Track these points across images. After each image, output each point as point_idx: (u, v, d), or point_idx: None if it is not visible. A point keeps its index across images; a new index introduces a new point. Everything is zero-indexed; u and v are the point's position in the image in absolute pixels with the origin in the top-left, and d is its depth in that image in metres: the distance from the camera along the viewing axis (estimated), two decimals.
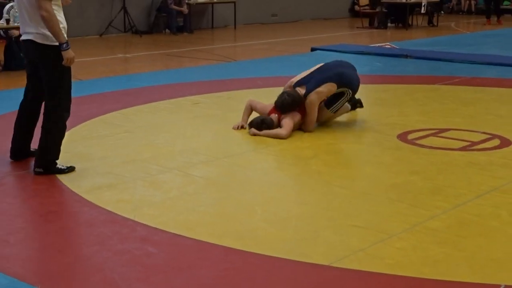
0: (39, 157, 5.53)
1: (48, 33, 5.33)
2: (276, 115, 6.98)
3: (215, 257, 4.06)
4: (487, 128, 7.09)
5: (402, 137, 6.76)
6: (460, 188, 5.26)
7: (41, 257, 3.50)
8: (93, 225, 4.54)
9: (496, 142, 6.61)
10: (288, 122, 6.82)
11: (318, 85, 6.96)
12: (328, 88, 6.97)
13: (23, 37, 5.53)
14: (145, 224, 4.49)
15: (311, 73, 7.25)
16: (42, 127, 5.53)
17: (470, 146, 6.43)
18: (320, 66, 7.33)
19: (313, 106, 6.93)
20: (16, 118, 5.82)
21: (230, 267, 3.91)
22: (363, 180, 5.54)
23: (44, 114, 5.55)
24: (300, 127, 6.98)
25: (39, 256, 3.56)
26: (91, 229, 4.46)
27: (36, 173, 5.48)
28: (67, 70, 5.50)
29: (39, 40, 5.40)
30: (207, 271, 3.83)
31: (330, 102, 7.11)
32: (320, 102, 7.03)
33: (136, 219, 4.58)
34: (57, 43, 5.36)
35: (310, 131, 6.92)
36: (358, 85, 7.23)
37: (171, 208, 4.84)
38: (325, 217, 4.67)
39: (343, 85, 7.03)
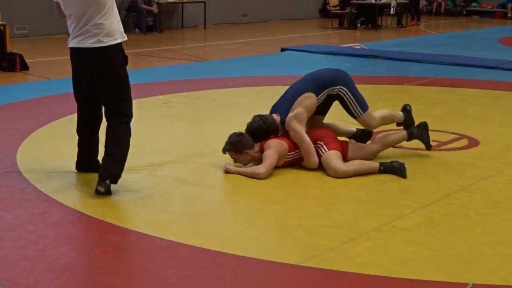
0: (110, 168, 4.98)
1: None
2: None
3: (184, 257, 4.05)
4: (455, 128, 7.16)
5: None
6: (429, 187, 5.30)
7: (7, 258, 3.45)
8: (61, 225, 4.49)
9: (464, 142, 6.67)
10: (270, 156, 5.50)
11: (290, 105, 5.72)
12: (304, 103, 5.70)
13: None
14: (114, 224, 4.46)
15: (282, 95, 6.06)
16: (112, 138, 5.07)
17: (438, 146, 6.48)
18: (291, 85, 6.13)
19: (298, 134, 5.61)
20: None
21: (199, 266, 3.90)
22: (332, 180, 5.54)
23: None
24: (300, 164, 5.75)
25: (4, 256, 3.51)
26: (59, 230, 4.41)
27: (104, 189, 4.92)
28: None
29: None
30: (177, 271, 3.82)
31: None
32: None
33: (105, 219, 4.54)
34: None
35: (313, 166, 5.63)
36: (345, 77, 6.00)
37: (141, 208, 4.81)
38: (295, 216, 4.68)
39: (323, 88, 5.83)
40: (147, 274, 3.76)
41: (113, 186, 4.95)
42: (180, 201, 5.01)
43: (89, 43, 5.01)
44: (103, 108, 5.19)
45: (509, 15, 24.53)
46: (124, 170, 5.03)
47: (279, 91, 9.36)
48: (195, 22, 19.58)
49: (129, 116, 5.18)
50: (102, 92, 5.12)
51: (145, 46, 15.01)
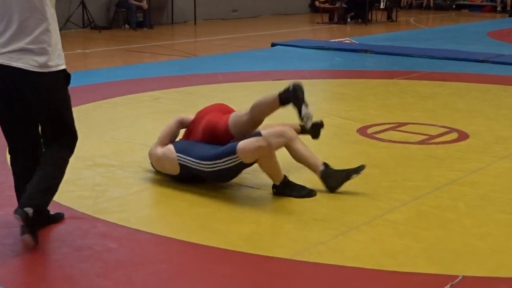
0: (33, 195, 3.98)
1: None
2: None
3: (174, 251, 4.06)
4: (445, 122, 7.19)
5: (362, 131, 6.81)
6: (418, 181, 5.33)
7: (3, 253, 3.47)
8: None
9: (454, 135, 6.69)
10: None
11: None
12: None
13: None
14: (105, 220, 4.46)
15: None
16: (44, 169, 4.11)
17: (428, 140, 6.51)
18: None
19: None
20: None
21: (189, 261, 3.91)
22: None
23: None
24: None
25: None
26: (50, 226, 4.41)
27: (22, 215, 3.87)
28: None
29: None
30: (167, 266, 3.83)
31: None
32: None
33: (96, 215, 4.54)
34: None
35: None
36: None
37: (131, 203, 4.81)
38: (285, 210, 4.69)
39: None
40: (137, 269, 3.77)
41: (104, 181, 4.92)
42: (170, 197, 5.01)
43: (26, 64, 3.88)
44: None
45: (498, 9, 24.63)
46: (115, 166, 5.00)
47: (270, 86, 9.44)
48: (185, 17, 19.55)
49: (73, 146, 4.26)
50: (40, 120, 4.13)
51: (135, 42, 14.99)
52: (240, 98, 8.51)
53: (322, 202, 4.87)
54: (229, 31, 17.66)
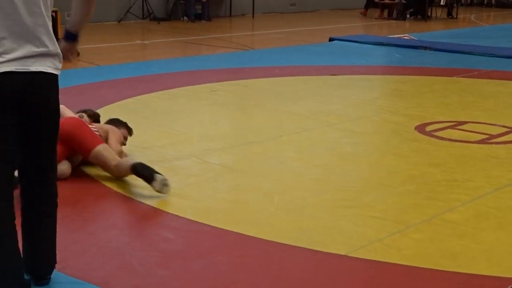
0: (51, 258, 3.50)
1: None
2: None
3: (232, 244, 4.06)
4: (506, 122, 7.05)
5: (420, 128, 6.73)
6: (478, 181, 5.24)
7: (59, 242, 3.51)
8: (111, 210, 4.56)
9: None
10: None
11: None
12: None
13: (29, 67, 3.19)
14: (163, 210, 4.51)
15: None
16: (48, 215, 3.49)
17: (488, 139, 6.40)
18: None
19: None
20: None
21: (246, 254, 3.91)
22: (380, 170, 5.52)
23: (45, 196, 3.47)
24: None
25: (57, 240, 3.57)
26: (109, 214, 4.48)
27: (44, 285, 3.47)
28: None
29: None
30: (224, 258, 3.84)
31: None
32: None
33: (154, 205, 4.59)
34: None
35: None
36: None
37: (189, 194, 4.84)
38: (342, 207, 4.66)
39: None
40: (195, 259, 3.79)
41: (162, 172, 4.93)
42: (227, 189, 5.04)
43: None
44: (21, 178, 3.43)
45: None
46: (172, 157, 5.01)
47: (327, 80, 9.41)
48: (243, 10, 19.59)
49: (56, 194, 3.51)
50: (35, 149, 3.35)
51: (194, 34, 15.07)
52: (296, 92, 8.50)
53: (380, 199, 4.83)
54: (287, 24, 17.63)
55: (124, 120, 5.76)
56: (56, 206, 3.49)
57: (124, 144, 5.61)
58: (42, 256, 3.46)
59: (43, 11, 3.20)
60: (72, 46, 3.63)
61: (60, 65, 3.34)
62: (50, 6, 3.28)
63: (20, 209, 3.39)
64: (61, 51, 3.35)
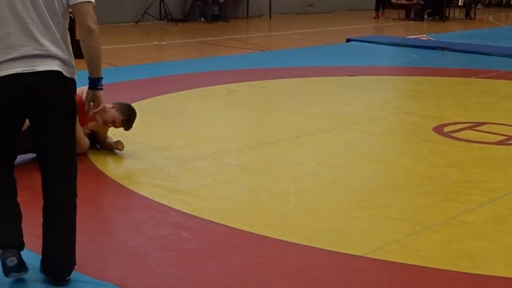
0: (69, 259, 3.48)
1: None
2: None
3: (248, 244, 4.06)
4: None
5: (438, 129, 6.69)
6: (496, 182, 5.20)
7: (76, 241, 3.52)
8: (128, 210, 4.56)
9: None
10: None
11: None
12: None
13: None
14: (179, 210, 4.50)
15: None
16: (65, 215, 3.48)
17: (507, 140, 6.35)
18: None
19: None
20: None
21: (262, 255, 3.90)
22: (398, 171, 5.49)
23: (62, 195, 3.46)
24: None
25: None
26: (126, 214, 4.48)
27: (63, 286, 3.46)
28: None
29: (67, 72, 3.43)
30: (240, 259, 3.83)
31: None
32: None
33: (170, 205, 4.59)
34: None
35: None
36: None
37: (205, 195, 4.84)
38: (359, 207, 4.64)
39: None
40: (210, 260, 3.79)
41: (179, 172, 4.96)
42: (244, 189, 5.03)
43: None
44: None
45: None
46: (189, 157, 5.03)
47: (344, 81, 9.38)
48: (260, 11, 19.59)
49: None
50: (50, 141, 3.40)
51: (211, 35, 15.09)
52: (313, 93, 8.49)
53: (397, 200, 4.81)
54: (304, 25, 17.61)
55: (136, 118, 5.69)
56: (75, 207, 3.50)
57: (109, 126, 5.63)
58: (60, 257, 3.46)
59: (47, 16, 3.30)
60: (93, 94, 3.63)
61: (70, 69, 3.43)
62: (62, 14, 3.37)
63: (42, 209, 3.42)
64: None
